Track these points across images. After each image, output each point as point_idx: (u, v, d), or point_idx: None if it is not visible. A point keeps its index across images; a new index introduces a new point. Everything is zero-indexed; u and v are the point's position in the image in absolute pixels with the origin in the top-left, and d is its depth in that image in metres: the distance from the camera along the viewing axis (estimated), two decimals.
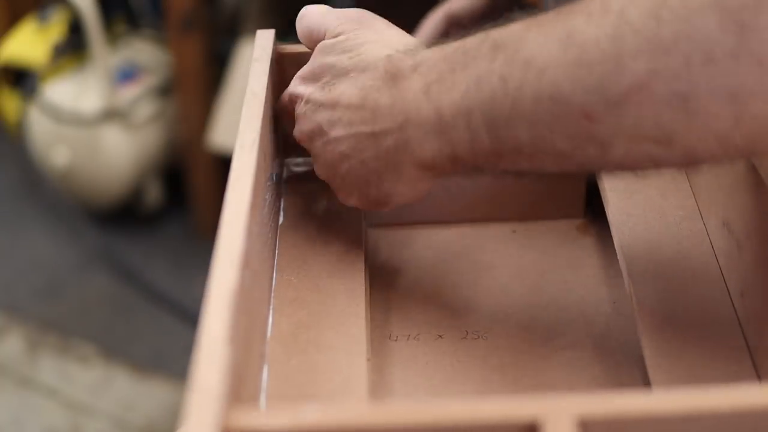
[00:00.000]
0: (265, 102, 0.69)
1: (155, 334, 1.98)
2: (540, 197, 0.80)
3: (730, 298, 0.66)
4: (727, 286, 0.66)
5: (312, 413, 0.46)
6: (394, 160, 0.63)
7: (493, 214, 0.80)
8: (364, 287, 0.68)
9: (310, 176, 0.76)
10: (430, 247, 0.78)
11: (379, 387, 0.65)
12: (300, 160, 0.80)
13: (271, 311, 0.66)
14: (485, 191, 0.79)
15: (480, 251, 0.77)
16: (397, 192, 0.65)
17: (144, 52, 2.15)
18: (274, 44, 0.77)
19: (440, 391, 0.65)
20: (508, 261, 0.76)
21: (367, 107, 0.63)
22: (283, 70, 0.78)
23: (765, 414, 0.46)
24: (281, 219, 0.74)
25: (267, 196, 0.68)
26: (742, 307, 0.64)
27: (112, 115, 2.06)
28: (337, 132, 0.65)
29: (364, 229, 0.74)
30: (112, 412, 1.82)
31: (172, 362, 1.90)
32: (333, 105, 0.65)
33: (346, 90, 0.65)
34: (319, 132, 0.66)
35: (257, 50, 0.75)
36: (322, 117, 0.66)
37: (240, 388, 0.52)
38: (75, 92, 2.07)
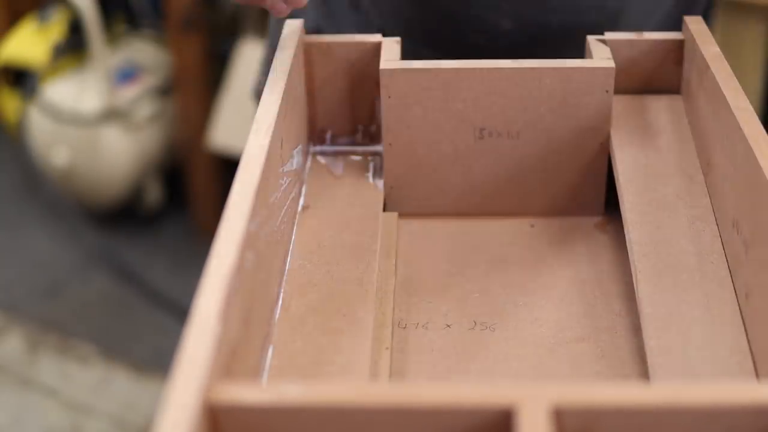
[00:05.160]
0: (288, 90, 0.69)
1: (155, 334, 1.98)
2: (560, 193, 0.79)
3: (737, 299, 0.65)
4: (734, 287, 0.66)
5: (294, 390, 0.47)
6: None
7: (513, 208, 0.79)
8: (375, 275, 0.68)
9: (334, 165, 0.77)
10: (447, 238, 0.78)
11: (380, 372, 0.65)
12: (325, 149, 0.81)
13: (281, 294, 0.67)
14: (507, 185, 0.79)
15: (496, 244, 0.77)
16: None
17: (144, 52, 2.15)
18: (301, 34, 0.77)
19: (441, 380, 0.65)
20: (523, 255, 0.76)
21: None
22: (310, 60, 0.78)
23: (732, 411, 0.46)
24: (301, 205, 0.74)
25: (283, 182, 0.68)
26: (747, 308, 0.63)
27: (112, 115, 2.05)
28: None
29: (381, 219, 0.75)
30: (112, 412, 1.82)
31: (171, 362, 1.89)
32: None
33: None
34: None
35: (283, 39, 0.75)
36: None
37: (234, 365, 0.52)
38: (75, 92, 2.07)
